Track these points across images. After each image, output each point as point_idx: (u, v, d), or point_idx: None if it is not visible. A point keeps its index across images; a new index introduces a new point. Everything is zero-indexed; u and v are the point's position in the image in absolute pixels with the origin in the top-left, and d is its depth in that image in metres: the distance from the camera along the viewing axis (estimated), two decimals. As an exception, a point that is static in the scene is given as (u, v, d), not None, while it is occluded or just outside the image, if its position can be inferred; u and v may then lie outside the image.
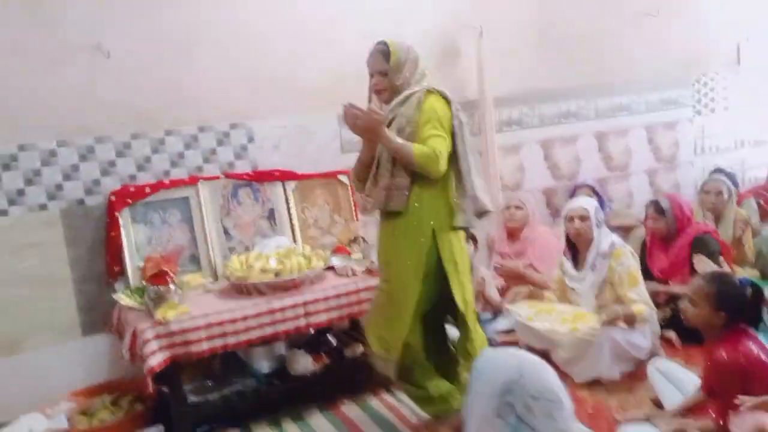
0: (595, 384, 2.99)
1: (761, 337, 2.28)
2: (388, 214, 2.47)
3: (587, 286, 3.24)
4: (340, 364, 3.17)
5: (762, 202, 4.50)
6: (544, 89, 4.19)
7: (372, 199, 2.50)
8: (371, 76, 2.50)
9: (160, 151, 3.26)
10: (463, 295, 2.48)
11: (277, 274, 2.90)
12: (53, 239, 3.07)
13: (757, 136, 5.12)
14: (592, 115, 4.42)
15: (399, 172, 2.40)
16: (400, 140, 2.35)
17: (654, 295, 3.27)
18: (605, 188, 4.43)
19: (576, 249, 3.35)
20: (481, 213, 2.50)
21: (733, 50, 4.93)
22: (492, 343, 3.48)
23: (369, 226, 3.65)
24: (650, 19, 4.48)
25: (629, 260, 3.15)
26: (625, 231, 4.08)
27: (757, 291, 2.25)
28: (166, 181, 3.22)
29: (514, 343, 3.42)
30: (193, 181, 3.26)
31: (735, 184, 4.35)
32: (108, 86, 3.10)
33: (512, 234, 3.94)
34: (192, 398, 2.90)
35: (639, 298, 3.07)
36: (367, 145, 2.51)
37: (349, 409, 3.03)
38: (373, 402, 3.07)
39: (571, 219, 3.35)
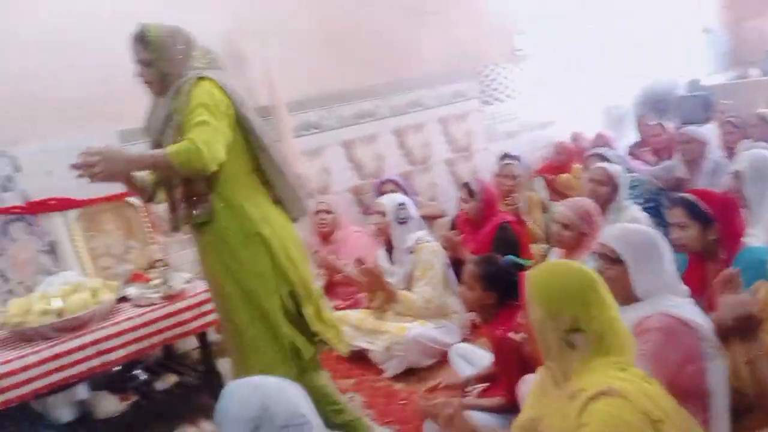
0: (407, 374, 3.11)
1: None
2: (200, 229, 2.24)
3: (397, 281, 3.35)
4: (151, 399, 2.98)
5: (548, 179, 4.96)
6: (338, 91, 4.24)
7: (174, 216, 2.26)
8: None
9: None
10: (313, 299, 2.34)
11: (60, 314, 2.65)
12: None
13: (540, 119, 5.62)
14: (388, 112, 4.57)
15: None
16: (149, 152, 2.12)
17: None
18: (410, 182, 4.61)
19: (391, 244, 3.46)
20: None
21: (508, 42, 5.35)
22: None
23: (170, 248, 3.48)
24: (432, 15, 4.71)
25: (427, 255, 3.30)
26: (430, 220, 4.29)
27: (520, 268, 2.46)
28: None
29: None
30: (-49, 222, 2.87)
31: (523, 166, 4.74)
32: None
33: (324, 238, 3.98)
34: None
35: (419, 289, 3.24)
36: (125, 184, 2.29)
37: (164, 446, 2.87)
38: (191, 432, 2.93)
39: (374, 215, 3.48)
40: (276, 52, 3.79)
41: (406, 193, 4.16)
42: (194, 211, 2.21)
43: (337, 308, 3.62)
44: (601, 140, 5.33)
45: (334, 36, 4.18)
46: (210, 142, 2.03)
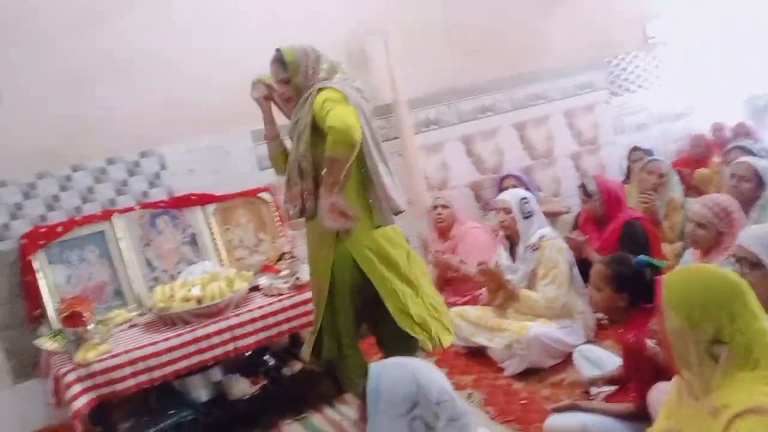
0: (528, 374, 3.05)
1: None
2: (309, 223, 2.48)
3: (519, 278, 3.29)
4: (279, 384, 3.15)
5: (683, 173, 4.64)
6: (458, 86, 4.23)
7: (291, 207, 2.46)
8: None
9: (69, 188, 3.18)
10: (397, 297, 2.43)
11: (199, 302, 2.86)
12: (-32, 288, 2.95)
13: (674, 110, 5.27)
14: (509, 106, 4.48)
15: (306, 177, 2.37)
16: (328, 171, 2.27)
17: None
18: (532, 177, 4.50)
19: (513, 241, 3.41)
20: (396, 212, 2.49)
21: (640, 29, 5.06)
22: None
23: (297, 241, 3.64)
24: (558, 5, 4.57)
25: (551, 252, 3.20)
26: (553, 217, 4.16)
27: (654, 269, 2.32)
28: (79, 218, 3.15)
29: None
30: (106, 214, 3.18)
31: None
32: (8, 129, 3.00)
33: (442, 233, 3.98)
34: (128, 436, 2.84)
35: (542, 288, 3.16)
36: (265, 118, 2.61)
37: (291, 429, 2.99)
38: (315, 419, 3.03)
39: (498, 211, 3.43)
40: (398, 49, 3.84)
41: (527, 188, 4.06)
42: (305, 207, 2.41)
43: (455, 304, 3.61)
44: (744, 131, 4.92)
45: (455, 31, 4.17)
46: (342, 116, 2.19)
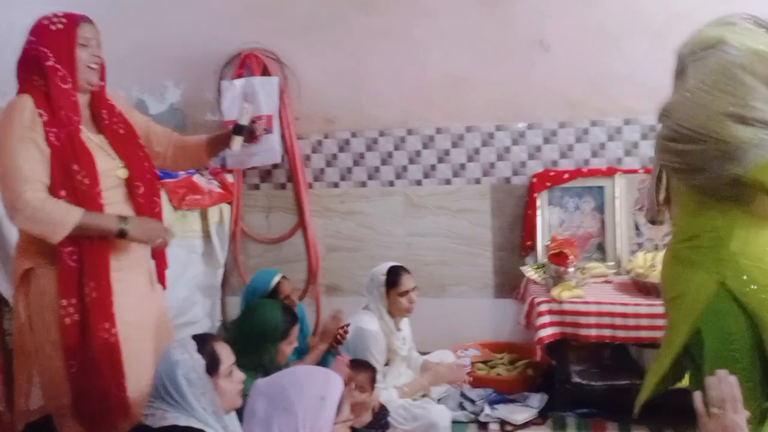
0: None
1: None
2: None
3: None
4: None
5: None
6: None
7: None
8: None
9: (583, 140, 3.41)
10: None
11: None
12: (482, 209, 3.55)
13: None
14: None
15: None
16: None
17: None
18: None
19: None
20: None
21: None
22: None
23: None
24: None
25: None
26: None
27: None
28: (585, 170, 3.37)
29: None
30: (610, 172, 3.31)
31: None
32: (543, 76, 3.36)
33: None
34: (576, 379, 3.01)
35: None
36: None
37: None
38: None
39: None
40: None
41: None
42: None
43: None
44: None
45: None
46: None
